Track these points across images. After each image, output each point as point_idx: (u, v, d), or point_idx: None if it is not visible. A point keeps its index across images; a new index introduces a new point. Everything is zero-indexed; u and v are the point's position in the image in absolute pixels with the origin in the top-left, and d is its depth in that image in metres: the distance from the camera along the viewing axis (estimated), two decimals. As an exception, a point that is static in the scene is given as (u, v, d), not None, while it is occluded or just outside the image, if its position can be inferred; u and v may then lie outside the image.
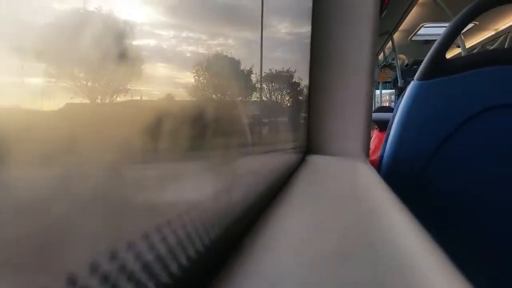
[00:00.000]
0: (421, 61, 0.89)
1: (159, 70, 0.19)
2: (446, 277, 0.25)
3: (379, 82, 5.15)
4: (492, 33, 3.83)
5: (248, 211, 0.31)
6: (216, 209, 0.24)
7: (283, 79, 0.52)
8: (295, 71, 0.58)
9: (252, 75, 0.36)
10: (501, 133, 0.83)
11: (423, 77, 0.87)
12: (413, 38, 4.11)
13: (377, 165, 0.93)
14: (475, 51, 3.80)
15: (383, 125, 1.66)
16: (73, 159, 0.12)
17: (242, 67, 0.34)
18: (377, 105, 5.02)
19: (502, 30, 3.70)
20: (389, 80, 5.05)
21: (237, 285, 0.22)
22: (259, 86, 0.40)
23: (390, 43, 4.05)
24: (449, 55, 0.88)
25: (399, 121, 0.88)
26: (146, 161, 0.17)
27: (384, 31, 3.66)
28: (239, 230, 0.29)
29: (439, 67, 0.86)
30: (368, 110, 0.76)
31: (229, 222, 0.26)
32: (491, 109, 0.82)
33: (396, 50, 4.05)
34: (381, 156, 0.92)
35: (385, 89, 5.54)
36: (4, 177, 0.10)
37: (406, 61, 4.71)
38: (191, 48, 0.23)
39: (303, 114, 0.73)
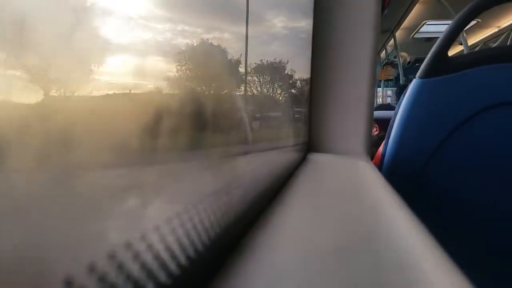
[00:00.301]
0: (423, 59, 0.89)
1: (152, 64, 0.19)
2: (446, 275, 0.25)
3: (380, 80, 5.13)
4: (495, 30, 3.81)
5: (249, 210, 0.31)
6: (217, 207, 0.24)
7: (284, 76, 0.52)
8: (295, 68, 0.58)
9: (252, 71, 0.36)
10: (503, 131, 0.82)
11: (425, 75, 0.86)
12: (415, 36, 4.10)
13: (379, 163, 0.93)
14: (477, 48, 3.79)
15: (384, 123, 1.66)
16: (66, 157, 0.12)
17: (241, 63, 0.33)
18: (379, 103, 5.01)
19: (504, 28, 3.68)
20: (391, 78, 5.05)
21: (238, 283, 0.22)
22: (258, 83, 0.40)
23: (392, 41, 4.04)
24: (451, 52, 0.87)
25: (400, 118, 0.87)
26: (145, 159, 0.17)
27: (386, 29, 3.65)
28: (240, 228, 0.29)
29: (441, 65, 0.85)
30: (369, 108, 0.75)
31: (230, 221, 0.26)
32: (493, 107, 0.82)
33: (398, 47, 4.04)
34: (383, 154, 0.92)
35: (387, 87, 5.53)
36: None
37: (408, 59, 4.69)
38: (187, 42, 0.23)
39: (304, 112, 0.73)
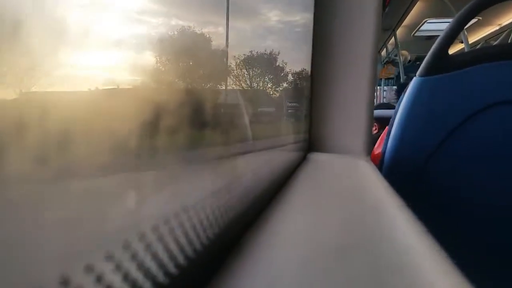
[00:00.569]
0: (424, 57, 0.88)
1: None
2: (446, 275, 0.25)
3: (381, 79, 5.13)
4: (496, 28, 3.81)
5: (249, 209, 0.31)
6: (216, 206, 0.24)
7: (285, 73, 0.52)
8: (296, 66, 0.58)
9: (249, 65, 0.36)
10: (504, 129, 0.82)
11: (425, 73, 0.86)
12: (416, 34, 4.10)
13: (379, 162, 0.93)
14: (478, 47, 3.78)
15: (383, 122, 1.66)
16: (59, 155, 0.12)
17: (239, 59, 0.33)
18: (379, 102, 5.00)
19: (505, 26, 3.68)
20: (391, 76, 5.04)
21: (238, 282, 0.22)
22: (257, 79, 0.40)
23: (393, 39, 4.03)
24: (452, 50, 0.87)
25: (401, 117, 0.87)
26: (144, 156, 0.17)
27: (386, 27, 3.65)
28: (240, 227, 0.29)
29: (442, 63, 0.85)
30: (370, 107, 0.75)
31: (230, 220, 0.26)
32: (494, 105, 0.82)
33: (399, 46, 4.04)
34: (383, 153, 0.92)
35: (388, 85, 5.52)
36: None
37: (409, 57, 4.69)
38: (186, 38, 0.23)
39: (304, 111, 0.73)
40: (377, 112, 1.78)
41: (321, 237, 0.29)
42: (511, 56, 0.82)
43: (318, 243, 0.28)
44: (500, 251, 0.83)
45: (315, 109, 0.76)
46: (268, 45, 0.40)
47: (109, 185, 0.15)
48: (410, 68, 4.15)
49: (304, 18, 0.68)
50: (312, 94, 0.75)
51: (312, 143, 0.76)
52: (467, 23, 0.92)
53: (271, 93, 0.46)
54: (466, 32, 2.89)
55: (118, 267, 0.14)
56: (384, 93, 5.24)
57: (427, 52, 0.88)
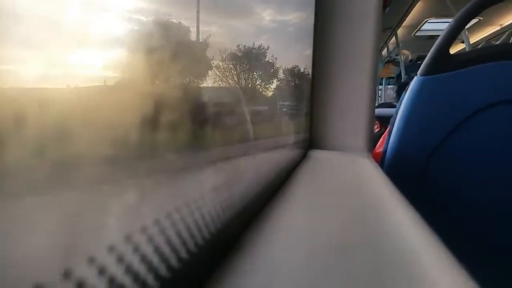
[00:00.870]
0: (425, 57, 0.88)
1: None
2: (449, 273, 0.25)
3: (382, 78, 5.12)
4: (497, 28, 3.80)
5: (250, 206, 0.31)
6: (217, 203, 0.24)
7: (287, 72, 0.52)
8: (297, 65, 0.58)
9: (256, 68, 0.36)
10: (505, 128, 0.82)
11: (426, 73, 0.86)
12: (417, 34, 4.09)
13: (380, 160, 0.93)
14: (479, 47, 3.77)
15: (385, 121, 1.66)
16: (56, 152, 0.12)
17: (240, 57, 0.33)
18: (380, 100, 4.98)
19: (507, 26, 3.67)
20: (392, 75, 5.03)
21: (238, 279, 0.22)
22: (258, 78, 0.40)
23: (393, 39, 4.02)
24: (453, 51, 0.87)
25: (402, 116, 0.87)
26: (143, 154, 0.17)
27: (387, 27, 3.64)
28: (240, 225, 0.29)
29: (443, 62, 0.85)
30: (371, 105, 0.75)
31: (231, 217, 0.26)
32: (495, 104, 0.82)
33: (400, 45, 4.03)
34: (384, 151, 0.92)
35: (389, 84, 5.51)
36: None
37: (410, 57, 4.68)
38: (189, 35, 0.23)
39: (305, 108, 0.73)
40: (379, 111, 1.78)
41: (322, 235, 0.29)
42: None
43: (319, 240, 0.28)
44: (503, 249, 0.83)
45: (316, 107, 0.76)
46: (269, 44, 0.40)
47: (109, 182, 0.15)
48: (411, 67, 4.14)
49: (308, 18, 0.68)
50: (313, 92, 0.75)
51: (312, 140, 0.76)
52: (468, 23, 0.92)
53: (273, 91, 0.46)
54: (467, 32, 2.89)
55: (118, 263, 0.14)
56: (391, 91, 5.22)
57: (428, 52, 0.88)
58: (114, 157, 0.15)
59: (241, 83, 0.36)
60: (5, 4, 0.10)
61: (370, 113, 0.75)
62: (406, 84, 0.92)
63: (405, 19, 3.46)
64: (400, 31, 3.88)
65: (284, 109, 0.57)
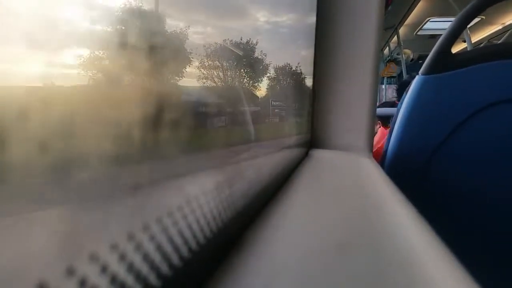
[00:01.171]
0: (427, 56, 0.88)
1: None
2: (449, 272, 0.25)
3: (383, 77, 5.11)
4: (499, 27, 3.79)
5: (251, 205, 0.31)
6: (218, 203, 0.24)
7: (288, 72, 0.52)
8: (299, 64, 0.58)
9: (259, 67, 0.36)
10: (507, 127, 0.82)
11: (428, 72, 0.86)
12: (418, 33, 4.08)
13: (381, 159, 0.93)
14: (481, 45, 3.76)
15: (386, 120, 1.66)
16: (54, 152, 0.12)
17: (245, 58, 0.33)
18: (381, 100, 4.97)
19: (509, 25, 3.65)
20: (394, 75, 5.02)
21: (239, 278, 0.22)
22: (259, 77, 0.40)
23: (395, 38, 4.02)
24: (455, 50, 0.87)
25: (403, 115, 0.87)
26: (144, 154, 0.17)
27: (389, 26, 3.63)
28: (241, 224, 0.29)
29: (445, 61, 0.85)
30: (372, 104, 0.75)
31: (232, 215, 0.26)
32: (496, 103, 0.82)
33: (402, 44, 4.02)
34: (385, 150, 0.92)
35: (390, 83, 5.50)
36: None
37: (412, 56, 4.67)
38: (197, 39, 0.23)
39: (307, 108, 0.72)
40: (381, 110, 1.78)
41: (323, 234, 0.29)
42: None
43: (320, 239, 0.28)
44: (504, 249, 0.83)
45: (317, 106, 0.76)
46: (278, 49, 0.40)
47: (111, 177, 0.15)
48: (413, 67, 4.14)
49: (309, 17, 0.68)
50: (314, 91, 0.75)
51: (314, 139, 0.76)
52: (470, 22, 0.91)
53: (274, 91, 0.46)
54: (469, 31, 2.88)
55: (119, 262, 0.14)
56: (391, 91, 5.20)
57: (429, 51, 0.88)
58: (114, 156, 0.15)
59: (243, 84, 0.36)
60: (5, 4, 0.10)
61: (372, 112, 0.75)
62: (407, 83, 0.92)
63: (407, 18, 3.45)
64: (401, 30, 3.87)
65: (285, 109, 0.57)
